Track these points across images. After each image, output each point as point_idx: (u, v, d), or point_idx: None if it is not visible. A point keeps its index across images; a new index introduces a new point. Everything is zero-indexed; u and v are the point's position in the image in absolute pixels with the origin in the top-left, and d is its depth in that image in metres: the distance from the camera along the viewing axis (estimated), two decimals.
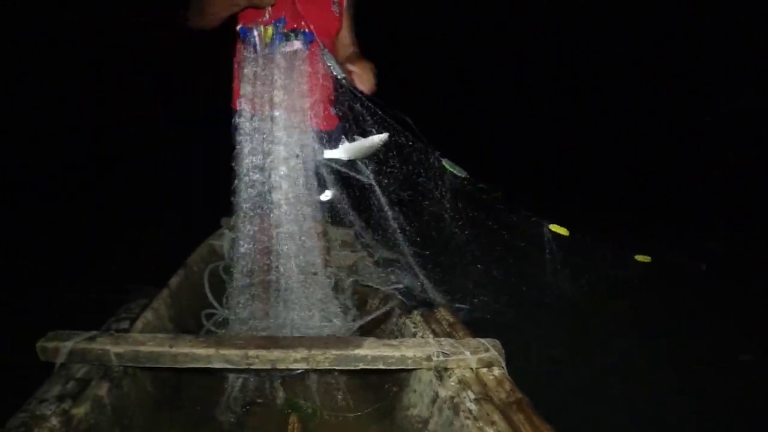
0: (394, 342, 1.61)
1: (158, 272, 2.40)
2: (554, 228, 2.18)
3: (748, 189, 8.09)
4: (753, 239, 5.59)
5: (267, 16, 1.85)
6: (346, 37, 2.25)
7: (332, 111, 2.15)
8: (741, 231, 5.96)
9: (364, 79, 1.94)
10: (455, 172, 2.05)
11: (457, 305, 2.20)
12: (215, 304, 2.25)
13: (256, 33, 1.80)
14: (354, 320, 2.11)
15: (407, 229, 2.18)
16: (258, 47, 1.82)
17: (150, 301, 2.01)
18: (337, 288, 2.32)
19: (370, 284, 2.36)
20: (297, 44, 1.81)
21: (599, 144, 10.94)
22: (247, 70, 1.82)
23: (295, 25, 1.86)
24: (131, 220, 6.27)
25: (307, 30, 1.85)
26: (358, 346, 1.57)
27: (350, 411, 1.90)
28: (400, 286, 2.29)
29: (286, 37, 1.80)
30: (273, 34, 1.81)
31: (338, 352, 1.55)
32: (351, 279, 2.43)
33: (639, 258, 2.36)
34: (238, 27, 1.88)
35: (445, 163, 2.02)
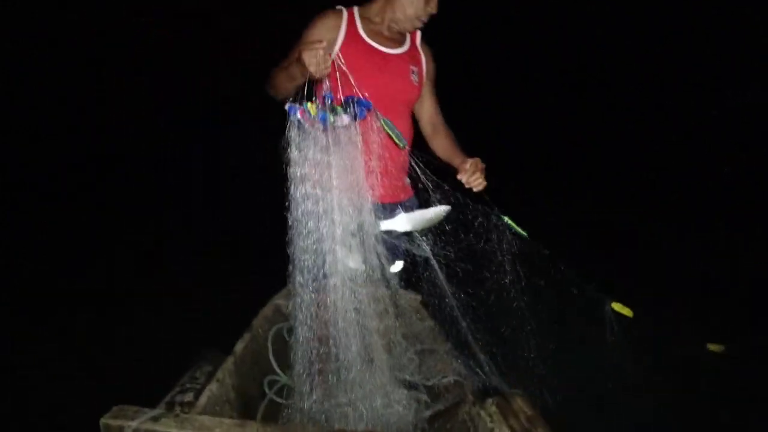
0: None
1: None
2: (617, 307, 2.04)
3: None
4: None
5: (326, 88, 1.75)
6: (428, 104, 2.19)
7: (406, 181, 2.11)
8: None
9: (474, 180, 1.86)
10: (518, 230, 1.92)
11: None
12: (278, 371, 2.21)
13: (298, 110, 1.69)
14: (421, 407, 2.01)
15: (470, 303, 2.05)
16: (303, 125, 1.71)
17: (215, 369, 1.97)
18: (402, 366, 2.19)
19: (439, 360, 2.24)
20: (345, 119, 1.70)
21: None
22: (294, 151, 1.73)
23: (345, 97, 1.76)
24: (131, 221, 6.20)
25: (363, 98, 1.74)
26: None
27: None
28: (479, 366, 2.12)
29: (333, 111, 1.70)
30: (318, 110, 1.70)
31: None
32: (417, 354, 2.29)
33: (712, 347, 2.14)
34: (286, 106, 1.76)
35: (508, 220, 1.91)
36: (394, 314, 2.19)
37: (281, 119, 1.71)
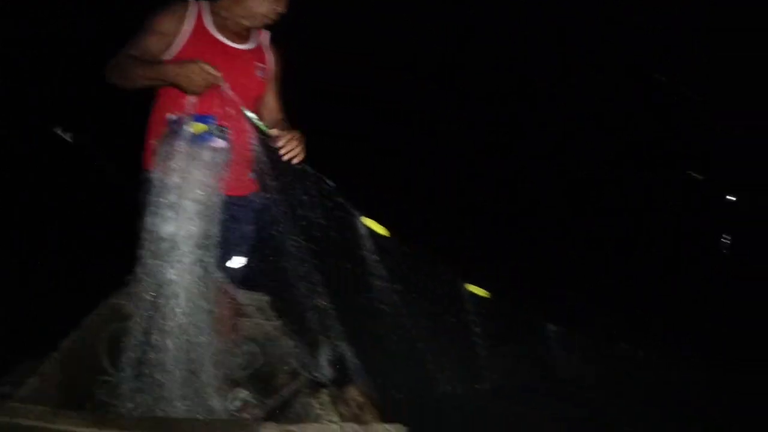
0: (293, 427, 1.58)
1: None
2: (473, 289, 2.16)
3: None
4: None
5: (190, 103, 1.86)
6: (272, 102, 2.29)
7: (250, 175, 2.17)
8: None
9: (291, 148, 1.95)
10: (378, 230, 2.05)
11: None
12: (110, 369, 2.14)
13: (186, 128, 1.82)
14: (258, 400, 2.06)
15: (324, 293, 2.15)
16: (183, 139, 1.82)
17: (38, 364, 1.89)
18: (243, 362, 2.27)
19: (281, 357, 2.30)
20: (221, 143, 1.86)
21: None
22: (166, 153, 1.81)
23: (224, 123, 1.89)
24: None
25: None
26: (256, 430, 1.52)
27: None
28: (318, 359, 2.23)
29: (214, 133, 1.85)
30: (203, 131, 1.84)
31: None
32: (259, 352, 2.35)
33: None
34: (167, 115, 1.90)
35: (366, 221, 2.03)
36: (236, 314, 2.31)
37: None
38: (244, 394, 2.08)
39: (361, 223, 2.00)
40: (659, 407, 3.55)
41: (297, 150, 1.96)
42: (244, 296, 2.42)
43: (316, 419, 1.83)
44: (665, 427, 3.31)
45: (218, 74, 1.79)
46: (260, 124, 1.94)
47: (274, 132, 1.97)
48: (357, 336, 2.13)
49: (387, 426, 1.69)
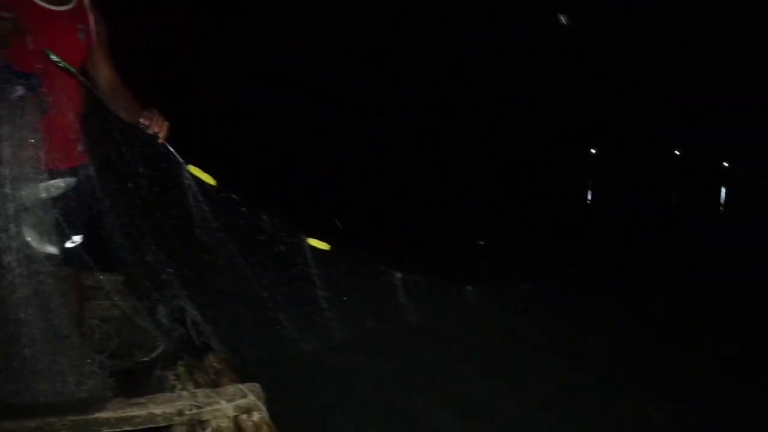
0: (141, 400, 1.53)
1: None
2: (313, 242, 2.11)
3: None
4: None
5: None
6: (106, 71, 2.13)
7: (79, 148, 2.01)
8: None
9: (160, 128, 1.86)
10: (204, 178, 1.95)
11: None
12: None
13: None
14: (115, 379, 1.97)
15: (174, 263, 2.03)
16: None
17: None
18: (97, 344, 2.17)
19: (136, 335, 2.23)
20: (20, 90, 1.68)
21: None
22: None
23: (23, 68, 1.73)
24: None
25: (36, 72, 1.73)
26: (100, 409, 1.46)
27: None
28: (174, 332, 2.14)
29: (8, 81, 1.67)
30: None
31: (77, 418, 1.42)
32: (113, 332, 2.27)
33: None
34: None
35: (193, 169, 1.92)
36: (87, 297, 2.19)
37: None
38: (100, 374, 1.96)
39: (189, 173, 1.94)
40: (500, 348, 3.77)
41: (163, 127, 1.89)
42: (93, 278, 2.29)
43: (172, 390, 1.80)
44: (498, 365, 3.48)
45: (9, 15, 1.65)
46: (68, 66, 1.79)
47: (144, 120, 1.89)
48: (210, 304, 2.08)
49: (240, 386, 1.67)
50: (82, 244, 1.98)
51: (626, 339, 3.97)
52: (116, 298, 2.44)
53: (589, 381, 3.28)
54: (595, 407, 2.96)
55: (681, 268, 6.75)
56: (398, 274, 2.55)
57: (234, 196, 1.89)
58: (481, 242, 7.02)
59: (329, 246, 2.09)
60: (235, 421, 1.57)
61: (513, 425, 2.79)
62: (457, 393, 2.99)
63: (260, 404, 1.62)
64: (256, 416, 1.59)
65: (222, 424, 1.55)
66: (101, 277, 2.34)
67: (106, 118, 1.89)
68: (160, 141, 1.87)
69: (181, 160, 1.87)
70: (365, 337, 2.90)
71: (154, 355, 2.06)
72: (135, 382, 2.04)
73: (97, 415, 1.43)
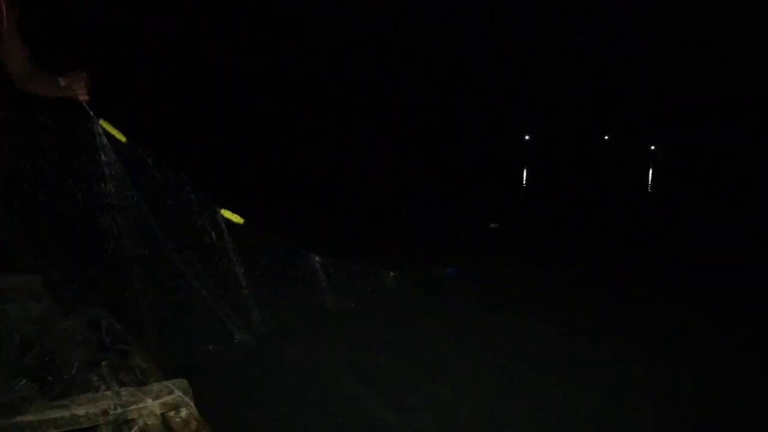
0: (64, 401, 1.52)
1: None
2: (227, 214, 2.09)
3: None
4: None
5: None
6: (17, 55, 2.06)
7: None
8: None
9: (82, 90, 1.88)
10: (116, 134, 1.91)
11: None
12: None
13: None
14: (39, 383, 1.89)
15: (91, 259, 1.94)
16: None
17: None
18: (15, 349, 2.08)
19: (57, 337, 2.15)
20: None
21: None
22: None
23: None
24: None
25: None
26: (22, 412, 1.43)
27: None
28: (99, 332, 2.10)
29: None
30: None
31: None
32: (34, 336, 2.18)
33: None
34: None
35: (104, 124, 1.94)
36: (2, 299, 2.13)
37: None
38: (23, 382, 1.88)
39: (102, 128, 1.93)
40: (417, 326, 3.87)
41: (84, 90, 1.89)
42: (9, 281, 2.24)
43: (96, 391, 1.76)
44: (417, 341, 3.60)
45: None
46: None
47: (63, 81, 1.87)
48: (131, 302, 2.06)
49: (167, 383, 1.66)
50: None
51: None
52: (33, 301, 2.35)
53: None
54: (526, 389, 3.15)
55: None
56: (317, 258, 2.59)
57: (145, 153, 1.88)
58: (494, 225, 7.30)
59: (242, 220, 2.10)
60: (163, 418, 1.57)
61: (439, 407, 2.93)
62: (389, 377, 3.09)
63: (188, 400, 1.61)
64: (184, 412, 1.58)
65: (149, 422, 1.54)
66: (15, 278, 2.30)
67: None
68: (83, 99, 1.88)
69: (92, 114, 1.86)
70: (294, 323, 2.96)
71: (79, 356, 2.00)
72: (57, 385, 1.94)
73: (19, 419, 1.41)
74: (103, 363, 1.90)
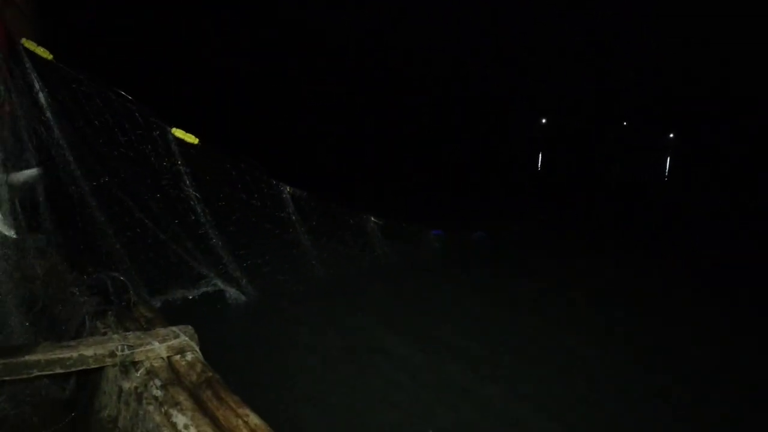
0: (72, 342, 1.55)
1: None
2: (178, 133, 2.11)
3: None
4: None
5: None
6: None
7: None
8: None
9: None
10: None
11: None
12: None
13: None
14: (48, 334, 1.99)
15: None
16: None
17: None
18: (27, 301, 2.15)
19: (64, 290, 2.21)
20: None
21: None
22: None
23: None
24: None
25: None
26: (30, 352, 1.47)
27: (43, 427, 1.76)
28: (105, 284, 2.13)
29: None
30: None
31: (6, 361, 1.44)
32: (41, 290, 2.26)
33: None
34: None
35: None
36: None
37: None
38: (30, 332, 1.99)
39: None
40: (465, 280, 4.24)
41: None
42: (17, 239, 2.24)
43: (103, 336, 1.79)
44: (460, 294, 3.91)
45: None
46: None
47: None
48: (139, 253, 2.09)
49: (173, 328, 1.70)
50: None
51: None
52: (42, 257, 2.41)
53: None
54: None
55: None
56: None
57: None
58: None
59: (197, 140, 2.11)
60: (169, 361, 1.61)
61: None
62: (397, 326, 3.21)
63: (193, 344, 1.65)
64: (189, 356, 1.62)
65: (155, 365, 1.58)
66: (29, 236, 2.34)
67: None
68: None
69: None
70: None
71: (86, 308, 2.03)
72: (65, 332, 2.03)
73: (27, 357, 1.45)
74: (109, 313, 1.94)
